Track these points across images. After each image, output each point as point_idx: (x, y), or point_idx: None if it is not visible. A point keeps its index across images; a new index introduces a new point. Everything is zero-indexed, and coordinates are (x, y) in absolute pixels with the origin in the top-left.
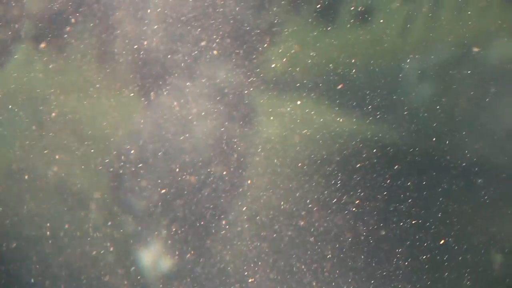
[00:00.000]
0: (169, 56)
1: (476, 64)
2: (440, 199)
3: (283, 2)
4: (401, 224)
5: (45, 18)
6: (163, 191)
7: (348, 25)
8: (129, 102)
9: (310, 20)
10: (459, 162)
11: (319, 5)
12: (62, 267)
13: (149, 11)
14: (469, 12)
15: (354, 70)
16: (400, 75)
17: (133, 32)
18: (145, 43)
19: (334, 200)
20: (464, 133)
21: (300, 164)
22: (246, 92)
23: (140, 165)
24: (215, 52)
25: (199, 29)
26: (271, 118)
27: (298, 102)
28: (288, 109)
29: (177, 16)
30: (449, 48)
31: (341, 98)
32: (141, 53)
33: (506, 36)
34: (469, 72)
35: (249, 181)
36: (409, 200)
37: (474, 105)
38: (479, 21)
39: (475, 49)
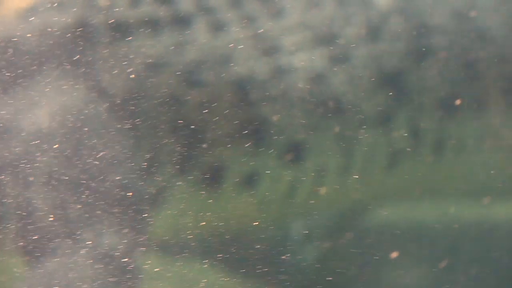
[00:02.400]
0: (50, 219)
1: (359, 227)
2: None
3: (168, 166)
4: None
5: None
6: None
7: (234, 189)
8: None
9: (196, 184)
10: None
11: (204, 170)
12: None
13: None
14: (355, 177)
15: (241, 233)
16: (286, 237)
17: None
18: (28, 203)
19: None
20: None
21: None
22: (131, 256)
23: None
24: (98, 217)
25: (85, 192)
26: (159, 279)
27: (184, 265)
28: (174, 272)
29: (62, 179)
30: (335, 210)
31: (230, 260)
32: (22, 212)
33: (392, 201)
34: (354, 235)
35: None
36: None
37: (361, 268)
38: (365, 186)
39: (359, 213)
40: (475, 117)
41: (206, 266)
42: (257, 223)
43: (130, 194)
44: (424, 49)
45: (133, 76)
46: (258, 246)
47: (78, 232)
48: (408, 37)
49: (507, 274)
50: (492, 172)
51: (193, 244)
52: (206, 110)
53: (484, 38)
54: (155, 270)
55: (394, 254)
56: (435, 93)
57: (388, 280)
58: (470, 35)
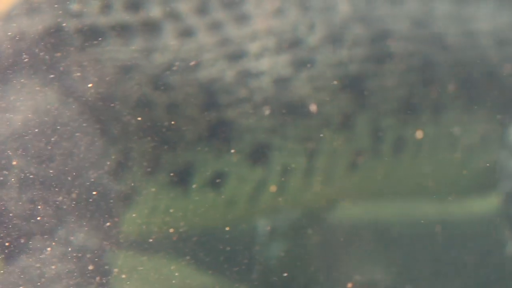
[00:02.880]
0: (25, 219)
1: (323, 226)
2: None
3: (137, 168)
4: None
5: None
6: None
7: (202, 190)
8: None
9: (164, 185)
10: None
11: (172, 172)
12: None
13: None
14: (317, 179)
15: (208, 234)
16: (253, 237)
17: None
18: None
19: None
20: None
21: None
22: (101, 257)
23: None
24: (72, 215)
25: (55, 193)
26: (128, 278)
27: (153, 265)
28: (143, 272)
29: (34, 180)
30: (300, 210)
31: (197, 259)
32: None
33: (355, 200)
34: (319, 234)
35: None
36: None
37: (322, 261)
38: (325, 187)
39: (322, 213)
40: (434, 118)
41: (174, 266)
42: (228, 228)
43: (95, 193)
44: (384, 54)
45: (102, 79)
46: (228, 248)
47: (48, 232)
48: (368, 42)
49: (468, 271)
50: (451, 171)
51: (162, 244)
52: (175, 113)
53: (441, 44)
54: (124, 270)
55: None
56: (395, 96)
57: (352, 277)
58: (428, 41)
